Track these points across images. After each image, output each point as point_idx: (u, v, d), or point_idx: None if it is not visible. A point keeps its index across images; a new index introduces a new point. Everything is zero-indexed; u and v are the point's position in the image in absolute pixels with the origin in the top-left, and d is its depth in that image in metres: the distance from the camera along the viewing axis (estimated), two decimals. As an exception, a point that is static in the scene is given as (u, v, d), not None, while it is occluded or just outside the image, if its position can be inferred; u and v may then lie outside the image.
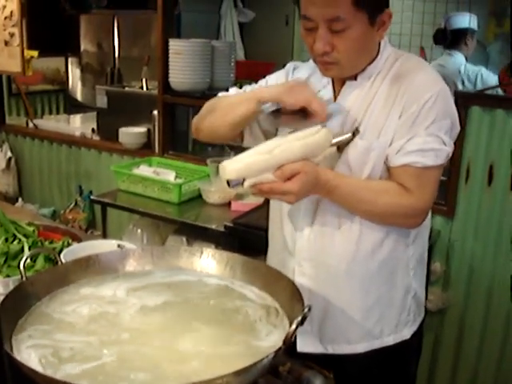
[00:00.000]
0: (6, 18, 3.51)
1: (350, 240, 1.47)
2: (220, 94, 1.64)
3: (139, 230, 3.06)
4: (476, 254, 2.60)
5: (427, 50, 4.04)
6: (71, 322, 1.23)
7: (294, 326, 1.06)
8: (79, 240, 1.83)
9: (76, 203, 3.86)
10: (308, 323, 1.47)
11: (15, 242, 1.75)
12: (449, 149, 1.41)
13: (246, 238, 2.53)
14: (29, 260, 1.51)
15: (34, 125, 4.11)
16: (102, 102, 3.69)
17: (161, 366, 1.08)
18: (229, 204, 2.83)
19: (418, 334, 1.61)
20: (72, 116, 4.31)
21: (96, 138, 3.78)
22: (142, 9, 4.01)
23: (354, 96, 1.45)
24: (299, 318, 1.07)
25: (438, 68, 3.41)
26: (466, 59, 3.60)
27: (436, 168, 1.41)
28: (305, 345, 1.55)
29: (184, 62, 3.19)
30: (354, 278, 1.49)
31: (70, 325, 1.22)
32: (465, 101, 2.46)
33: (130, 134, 3.52)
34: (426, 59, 3.52)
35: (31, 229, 1.84)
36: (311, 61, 1.55)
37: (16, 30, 3.47)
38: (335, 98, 1.49)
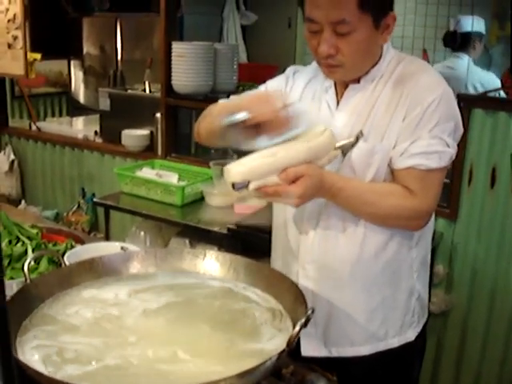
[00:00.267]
0: (9, 20, 3.52)
1: (354, 243, 1.47)
2: (220, 101, 1.63)
3: (142, 233, 3.06)
4: (479, 257, 2.60)
5: (430, 52, 4.05)
6: (75, 324, 1.23)
7: (297, 328, 1.06)
8: (82, 242, 1.83)
9: (79, 206, 3.87)
10: (312, 326, 1.47)
11: (19, 245, 1.76)
12: (452, 151, 1.41)
13: (249, 240, 2.53)
14: (32, 262, 1.51)
15: (37, 127, 4.11)
16: (104, 104, 3.69)
17: (164, 367, 1.08)
18: (232, 206, 2.83)
19: (421, 336, 1.60)
20: (75, 118, 4.31)
21: (99, 140, 3.79)
22: (144, 11, 4.02)
23: (357, 99, 1.46)
24: (303, 320, 1.07)
25: (447, 70, 3.42)
26: (474, 62, 3.60)
27: (440, 170, 1.41)
28: (309, 348, 1.55)
29: (187, 64, 3.19)
30: (358, 280, 1.49)
31: (74, 327, 1.22)
32: (467, 103, 2.46)
33: (133, 136, 3.53)
34: (428, 62, 3.53)
35: (35, 231, 1.85)
36: (313, 64, 1.55)
37: (19, 33, 3.47)
38: (338, 101, 1.49)
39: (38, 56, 3.53)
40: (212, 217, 2.80)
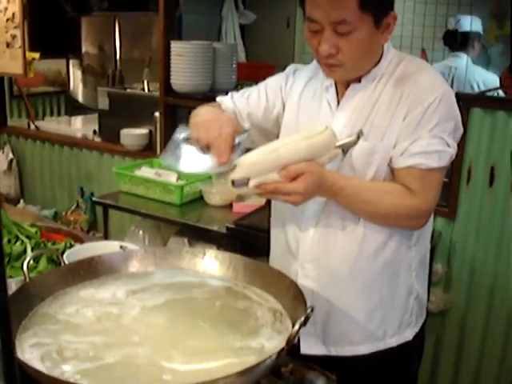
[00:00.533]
0: (7, 19, 3.51)
1: (354, 242, 1.47)
2: (218, 99, 1.65)
3: (141, 232, 3.06)
4: (477, 256, 2.60)
5: (428, 51, 4.04)
6: (74, 323, 1.23)
7: (296, 327, 1.07)
8: (81, 241, 1.83)
9: (77, 205, 3.86)
10: (311, 325, 1.47)
11: (18, 244, 1.76)
12: (452, 151, 1.41)
13: (248, 239, 2.53)
14: (32, 261, 1.51)
15: (36, 126, 4.11)
16: (103, 103, 3.69)
17: (163, 366, 1.09)
18: (230, 205, 2.83)
19: (420, 335, 1.61)
20: (73, 118, 4.31)
21: (97, 139, 3.79)
22: (143, 10, 4.01)
23: (358, 98, 1.46)
24: (302, 319, 1.07)
25: (448, 69, 3.44)
26: (473, 61, 3.61)
27: (440, 170, 1.41)
28: (308, 347, 1.55)
29: (185, 63, 3.19)
30: (357, 279, 1.49)
31: (74, 325, 1.22)
32: (466, 102, 2.46)
33: (132, 135, 3.52)
34: (427, 61, 3.53)
35: (34, 230, 1.84)
36: (313, 63, 1.55)
37: (18, 32, 3.46)
38: (338, 100, 1.49)
39: (37, 55, 3.52)
40: (211, 216, 2.81)
